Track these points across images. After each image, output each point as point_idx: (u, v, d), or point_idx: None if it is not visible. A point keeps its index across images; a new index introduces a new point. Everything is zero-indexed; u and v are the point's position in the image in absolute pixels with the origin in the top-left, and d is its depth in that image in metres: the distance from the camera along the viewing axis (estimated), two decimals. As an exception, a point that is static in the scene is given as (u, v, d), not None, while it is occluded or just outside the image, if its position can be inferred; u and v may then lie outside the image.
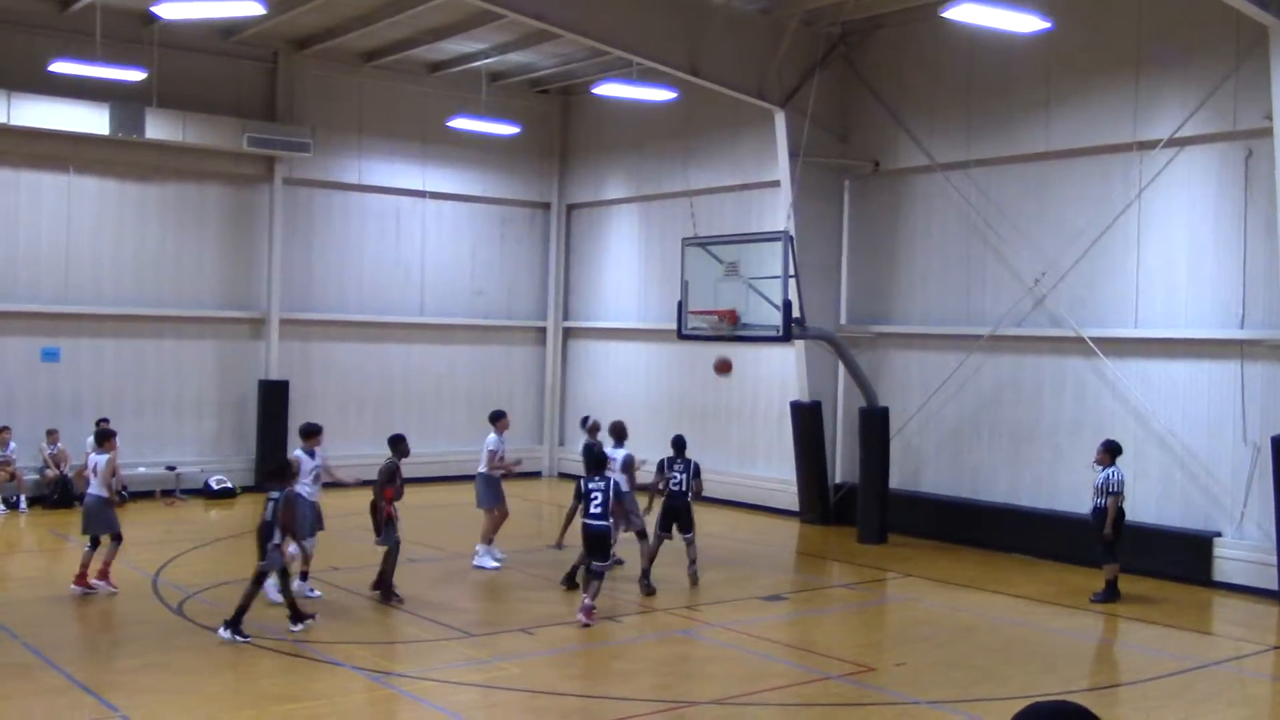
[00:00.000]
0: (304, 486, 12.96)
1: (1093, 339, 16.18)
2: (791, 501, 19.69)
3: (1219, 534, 15.01)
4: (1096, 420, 16.19)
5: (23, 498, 18.93)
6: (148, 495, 20.10)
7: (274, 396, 21.55)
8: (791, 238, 16.38)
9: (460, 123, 21.71)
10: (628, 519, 14.22)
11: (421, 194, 23.50)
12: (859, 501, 18.07)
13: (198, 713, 9.35)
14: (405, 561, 15.54)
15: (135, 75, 18.12)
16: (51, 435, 19.34)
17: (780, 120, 18.73)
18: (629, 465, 14.86)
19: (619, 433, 15.50)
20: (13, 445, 18.96)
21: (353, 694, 9.90)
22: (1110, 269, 16.26)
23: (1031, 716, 2.76)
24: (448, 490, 22.02)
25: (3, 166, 19.46)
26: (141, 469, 20.21)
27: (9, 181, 19.55)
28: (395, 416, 23.06)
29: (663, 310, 21.44)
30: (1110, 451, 13.87)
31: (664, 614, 12.97)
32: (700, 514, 20.13)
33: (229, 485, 20.78)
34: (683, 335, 17.67)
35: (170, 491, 20.36)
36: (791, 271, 16.09)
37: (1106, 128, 16.23)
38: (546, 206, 25.06)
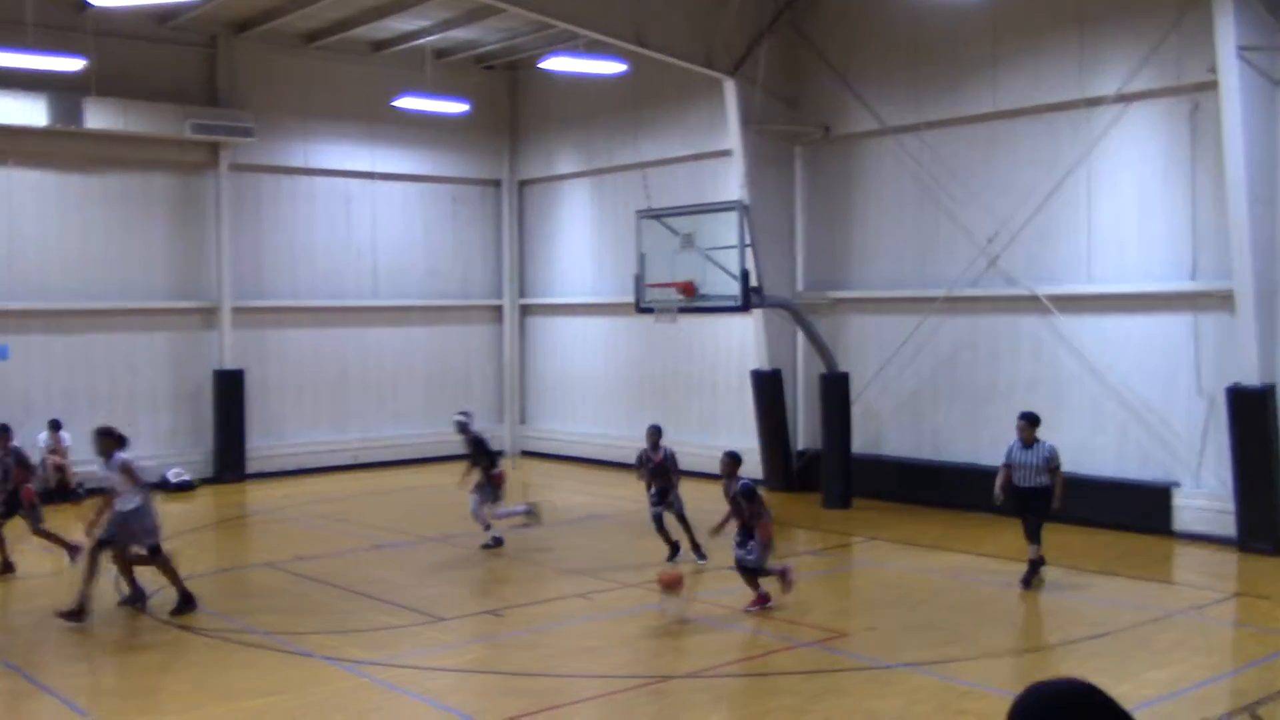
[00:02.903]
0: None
1: (1047, 296, 16.28)
2: (755, 470, 19.71)
3: (1177, 484, 15.19)
4: (1054, 377, 16.32)
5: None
6: (102, 492, 19.77)
7: (229, 386, 21.31)
8: (746, 207, 16.35)
9: (407, 102, 21.45)
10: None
11: (370, 175, 23.25)
12: (822, 467, 18.14)
13: (164, 711, 9.24)
14: (375, 547, 15.50)
15: (72, 64, 17.73)
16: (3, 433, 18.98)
17: (729, 89, 18.65)
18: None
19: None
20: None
21: (325, 684, 9.80)
22: (1062, 226, 16.35)
23: (1034, 701, 2.39)
24: (410, 473, 21.93)
25: (-61, 162, 19.05)
26: (95, 466, 19.85)
27: (-54, 178, 19.13)
28: (352, 401, 22.96)
29: (619, 284, 21.37)
30: (1034, 424, 12.66)
31: (631, 590, 12.95)
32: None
33: (187, 478, 20.54)
34: (640, 309, 17.61)
35: (127, 486, 20.07)
36: (747, 240, 16.06)
37: (1053, 86, 16.28)
38: (498, 184, 24.88)
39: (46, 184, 20.03)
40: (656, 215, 17.31)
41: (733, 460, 12.54)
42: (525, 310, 25.12)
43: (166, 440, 20.95)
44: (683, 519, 14.28)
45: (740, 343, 20.10)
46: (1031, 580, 12.62)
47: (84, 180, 20.35)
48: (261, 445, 21.76)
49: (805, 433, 19.60)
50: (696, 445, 21.00)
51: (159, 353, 21.08)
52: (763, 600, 11.75)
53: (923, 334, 17.91)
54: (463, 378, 24.54)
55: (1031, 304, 16.52)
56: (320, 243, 22.72)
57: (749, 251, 16.13)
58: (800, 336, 18.95)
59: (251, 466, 21.54)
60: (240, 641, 11.06)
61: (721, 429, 20.77)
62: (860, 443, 18.26)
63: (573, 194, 24.06)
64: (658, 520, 14.28)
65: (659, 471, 14.33)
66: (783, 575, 11.88)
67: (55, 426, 19.34)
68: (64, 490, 19.12)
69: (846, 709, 8.94)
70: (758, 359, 19.40)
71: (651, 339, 21.74)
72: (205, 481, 20.82)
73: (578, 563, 14.42)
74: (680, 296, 16.68)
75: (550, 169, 24.22)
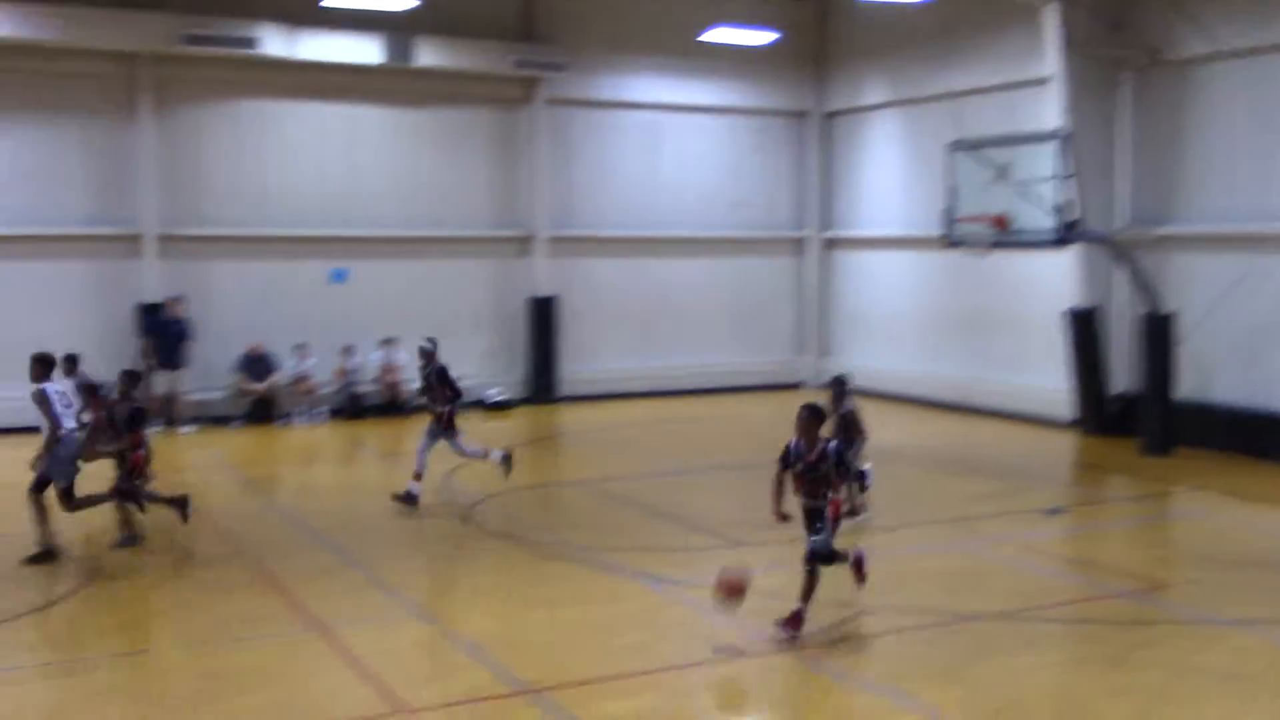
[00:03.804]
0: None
1: None
2: (1064, 411, 18.98)
3: None
4: None
5: (322, 411, 20.29)
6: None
7: (543, 312, 22.27)
8: (1066, 136, 15.60)
9: (716, 33, 21.54)
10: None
11: (678, 108, 23.55)
12: (1141, 412, 17.23)
13: (488, 612, 9.88)
14: (677, 472, 15.89)
15: (405, 4, 18.77)
16: (346, 351, 20.59)
17: (1050, 12, 17.72)
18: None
19: None
20: (311, 360, 20.28)
21: (631, 599, 10.20)
22: None
23: None
24: (712, 402, 22.35)
25: (289, 99, 20.61)
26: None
27: (295, 113, 20.71)
28: (657, 329, 23.52)
29: (926, 218, 20.86)
30: None
31: (930, 527, 12.79)
32: (968, 424, 19.85)
33: (505, 398, 21.66)
34: (949, 243, 17.18)
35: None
36: (1065, 172, 15.34)
37: None
38: (804, 115, 24.67)
39: (381, 119, 21.38)
40: (969, 147, 16.78)
41: (816, 416, 9.24)
42: (829, 244, 24.93)
43: (485, 361, 22.13)
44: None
45: (1053, 279, 19.24)
46: None
47: (413, 115, 21.58)
48: (572, 369, 22.67)
49: (1122, 375, 18.65)
50: (1003, 385, 20.48)
51: (479, 278, 22.24)
52: (797, 622, 9.03)
53: (1260, 273, 16.63)
54: (764, 310, 24.68)
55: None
56: (629, 174, 23.27)
57: (1067, 184, 15.41)
58: (1119, 274, 17.99)
59: (563, 390, 22.50)
60: (552, 555, 11.65)
61: (1030, 368, 20.05)
62: (1185, 388, 17.20)
63: (880, 125, 23.60)
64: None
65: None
66: (857, 564, 9.54)
67: (388, 344, 20.76)
68: (394, 405, 20.58)
69: (1168, 663, 8.56)
70: (1073, 296, 18.55)
71: (958, 274, 21.16)
72: (520, 402, 21.90)
73: (877, 498, 14.32)
74: (991, 231, 16.17)
75: (857, 100, 23.81)
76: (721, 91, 23.81)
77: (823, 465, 8.95)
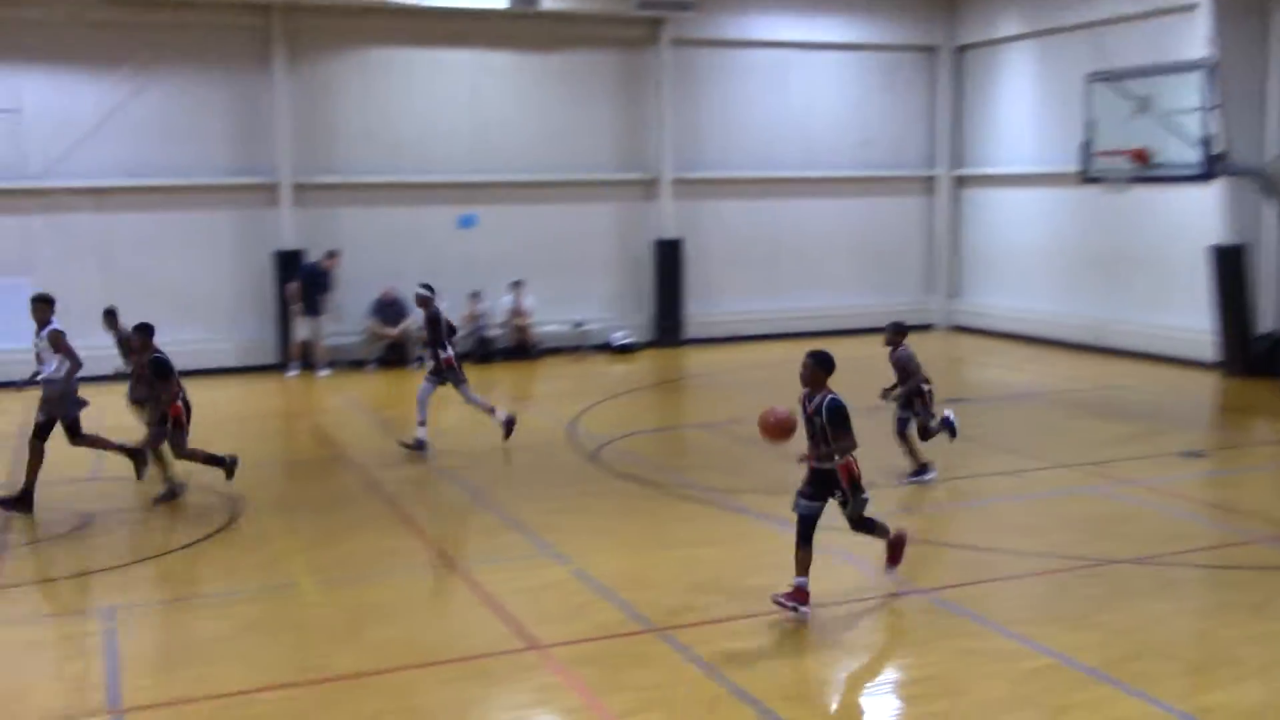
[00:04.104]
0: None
1: None
2: (1206, 352, 18.37)
3: None
4: None
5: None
6: (556, 351, 21.48)
7: (668, 255, 22.29)
8: (1213, 66, 14.96)
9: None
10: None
11: (806, 45, 23.19)
12: (1289, 353, 16.59)
13: (617, 552, 10.04)
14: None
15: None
16: (474, 295, 20.91)
17: (1198, -66, 16.96)
18: None
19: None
20: (442, 305, 20.59)
21: (757, 539, 10.27)
22: None
23: None
24: (838, 344, 22.10)
25: (416, 46, 20.86)
26: (551, 326, 21.59)
27: (423, 60, 20.96)
28: (784, 270, 23.36)
29: (1061, 153, 20.24)
30: None
31: (1066, 470, 12.54)
32: (1105, 365, 19.33)
33: (631, 340, 21.79)
34: (1087, 179, 16.68)
35: (577, 347, 21.64)
36: (1212, 103, 14.74)
37: None
38: (934, 50, 24.09)
39: (507, 64, 21.52)
40: (1109, 78, 16.24)
41: (821, 365, 8.51)
42: (959, 181, 24.39)
43: (611, 304, 22.30)
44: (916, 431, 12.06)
45: (1197, 215, 18.55)
46: None
47: (538, 59, 21.67)
48: (698, 311, 22.68)
49: (1269, 314, 17.95)
50: (1142, 325, 19.88)
51: (604, 222, 22.32)
52: (799, 596, 8.25)
53: None
54: (892, 250, 24.32)
55: None
56: (755, 115, 23.03)
57: (1213, 115, 14.81)
58: (1266, 209, 17.25)
59: (689, 332, 22.55)
60: (680, 496, 11.76)
61: (1171, 308, 19.42)
62: (1337, 327, 16.51)
63: (1014, 58, 22.90)
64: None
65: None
66: (896, 545, 8.83)
67: (516, 287, 21.03)
68: (523, 348, 20.88)
69: (1312, 611, 8.31)
70: (1217, 233, 17.86)
71: (1096, 211, 20.53)
72: (646, 345, 22.01)
73: (1009, 441, 14.12)
74: (1131, 165, 15.65)
75: (990, 32, 23.13)
76: (849, 28, 23.37)
77: (816, 420, 8.24)
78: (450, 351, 13.75)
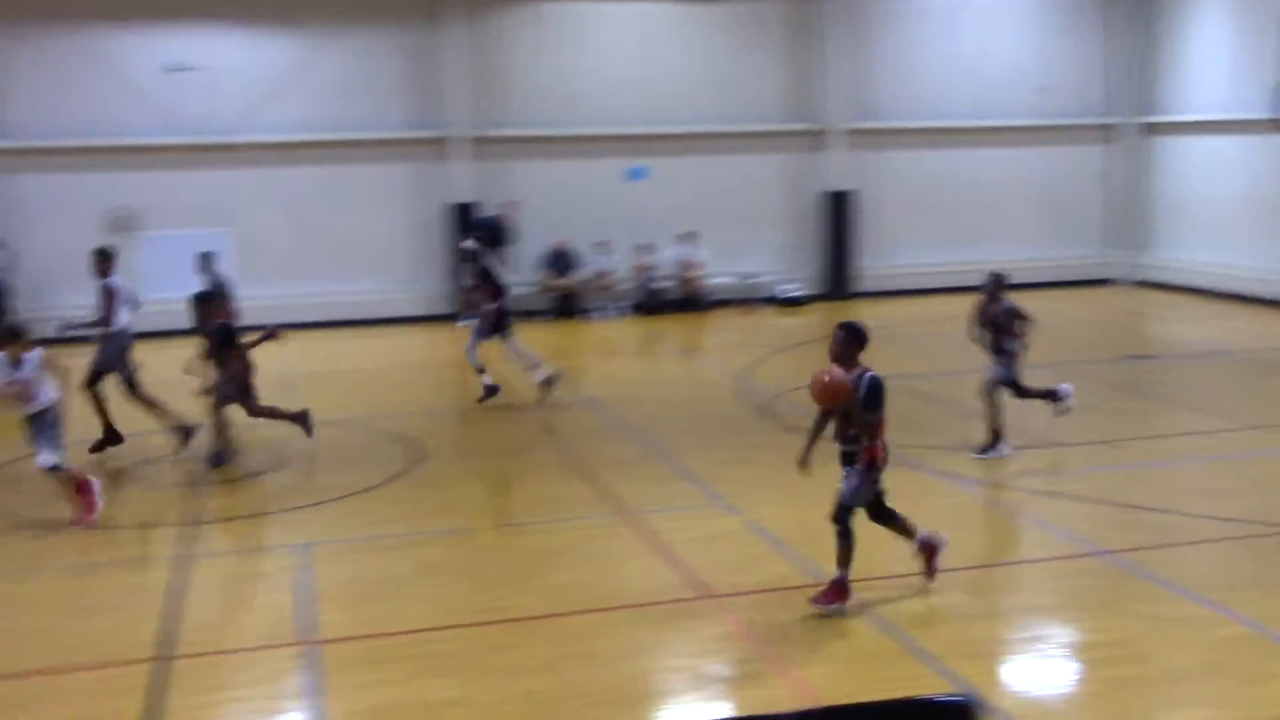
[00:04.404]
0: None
1: None
2: None
3: None
4: None
5: (624, 306, 20.85)
6: (724, 303, 21.44)
7: (838, 207, 21.97)
8: None
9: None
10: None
11: (980, -12, 22.49)
12: None
13: (788, 504, 10.00)
14: (976, 370, 15.55)
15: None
16: (644, 247, 21.03)
17: None
18: None
19: None
20: (614, 256, 20.83)
21: (934, 496, 10.09)
22: None
23: None
24: (1020, 297, 21.47)
25: (587, 0, 20.95)
26: (721, 278, 21.55)
27: (593, 13, 21.04)
28: (959, 222, 22.79)
29: (1255, 98, 19.18)
30: None
31: (1258, 432, 11.96)
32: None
33: (799, 293, 21.60)
34: (1285, 124, 15.76)
35: (747, 299, 21.55)
36: None
37: None
38: (1120, -10, 23.06)
39: (675, 15, 21.42)
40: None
41: (855, 338, 7.65)
42: (1145, 129, 23.32)
43: (779, 256, 22.13)
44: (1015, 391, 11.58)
45: None
46: None
47: (706, 9, 21.51)
48: (870, 264, 22.34)
49: None
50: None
51: (773, 173, 22.12)
52: (839, 593, 7.55)
53: None
54: (1072, 202, 23.47)
55: None
56: (927, 62, 22.43)
57: None
58: None
59: (860, 285, 22.23)
60: (853, 450, 11.62)
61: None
62: None
63: (1207, -2, 21.76)
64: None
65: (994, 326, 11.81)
66: (929, 549, 7.96)
67: (686, 239, 21.05)
68: (692, 300, 20.92)
69: None
70: None
71: (1295, 159, 19.44)
72: (815, 298, 21.79)
73: (1198, 400, 13.55)
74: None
75: (1183, -30, 22.01)
76: (1029, -32, 22.55)
77: (850, 399, 7.45)
78: (499, 303, 14.01)
